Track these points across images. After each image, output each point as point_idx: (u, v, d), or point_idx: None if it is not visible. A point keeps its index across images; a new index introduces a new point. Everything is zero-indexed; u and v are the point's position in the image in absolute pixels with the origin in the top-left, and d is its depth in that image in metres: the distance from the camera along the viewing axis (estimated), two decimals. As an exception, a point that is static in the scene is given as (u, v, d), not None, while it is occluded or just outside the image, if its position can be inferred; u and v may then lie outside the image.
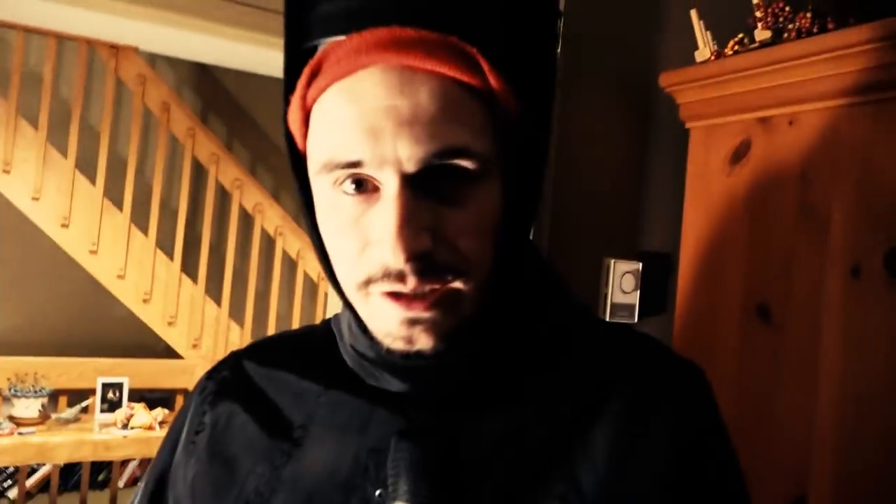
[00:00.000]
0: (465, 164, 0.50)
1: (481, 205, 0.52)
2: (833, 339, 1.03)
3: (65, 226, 3.68)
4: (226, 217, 4.28)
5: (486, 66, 0.51)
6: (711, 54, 1.25)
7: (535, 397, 0.59)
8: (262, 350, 0.70)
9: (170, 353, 4.08)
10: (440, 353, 0.54)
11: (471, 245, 0.52)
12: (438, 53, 0.49)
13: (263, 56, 3.45)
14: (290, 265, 4.38)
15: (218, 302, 4.10)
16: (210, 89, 4.82)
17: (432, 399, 0.58)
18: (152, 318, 3.92)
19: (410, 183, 0.50)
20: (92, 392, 3.57)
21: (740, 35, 1.22)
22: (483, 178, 0.52)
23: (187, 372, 3.99)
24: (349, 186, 0.52)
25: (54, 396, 3.57)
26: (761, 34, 1.17)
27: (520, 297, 0.60)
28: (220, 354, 4.02)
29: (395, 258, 0.49)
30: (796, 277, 1.09)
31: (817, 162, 1.08)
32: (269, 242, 4.35)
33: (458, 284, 0.52)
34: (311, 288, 4.37)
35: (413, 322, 0.52)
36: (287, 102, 0.56)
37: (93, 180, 3.75)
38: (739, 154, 1.21)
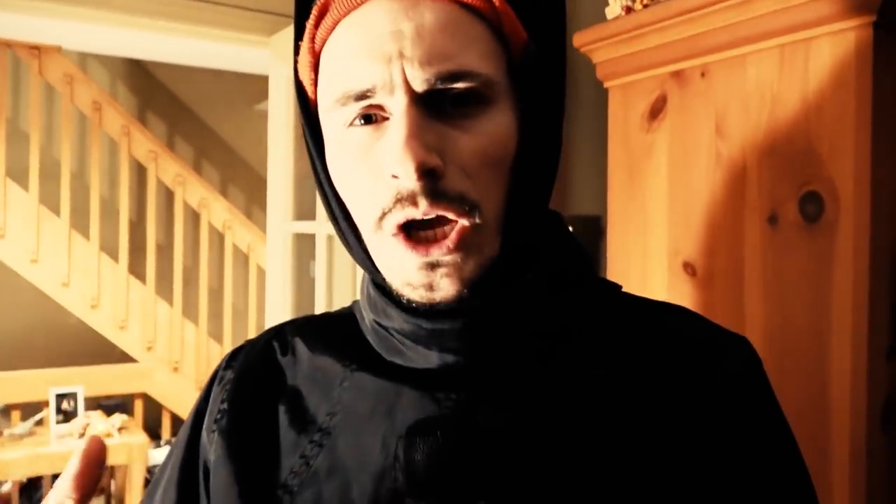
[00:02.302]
0: (467, 86, 0.50)
1: (491, 131, 0.52)
2: (755, 288, 1.03)
3: (0, 237, 3.56)
4: (171, 215, 4.19)
5: None
6: (622, 10, 1.22)
7: (571, 371, 0.55)
8: (284, 333, 0.67)
9: (126, 357, 4.00)
10: (462, 300, 0.52)
11: (481, 172, 0.51)
12: None
13: (200, 49, 3.36)
14: (242, 259, 4.31)
15: (170, 302, 4.01)
16: (146, 85, 4.70)
17: (459, 373, 0.54)
18: (102, 323, 3.83)
19: (418, 102, 0.50)
20: (45, 404, 3.48)
21: (649, -12, 1.20)
22: (492, 105, 0.52)
23: (144, 375, 3.91)
24: (358, 121, 0.52)
25: (6, 411, 3.47)
26: (669, -14, 1.15)
27: (542, 253, 0.56)
28: (177, 355, 3.96)
29: (404, 170, 0.48)
30: (717, 230, 1.09)
31: (729, 112, 1.07)
32: (218, 237, 4.27)
33: (472, 220, 0.51)
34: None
35: (432, 266, 0.51)
36: (297, 52, 0.57)
37: (26, 187, 3.63)
38: (656, 110, 1.19)
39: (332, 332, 0.65)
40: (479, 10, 0.52)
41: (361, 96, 0.51)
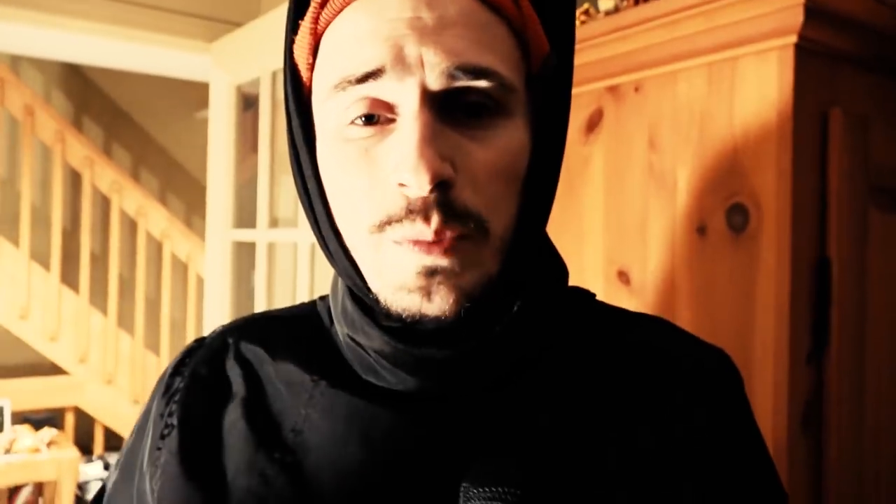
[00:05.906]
0: (489, 86, 0.47)
1: (505, 145, 0.49)
2: (685, 296, 1.06)
3: (-77, 244, 3.41)
4: (107, 223, 4.08)
5: None
6: (561, 26, 1.26)
7: (556, 390, 0.53)
8: (242, 333, 0.60)
9: (57, 369, 3.87)
10: (460, 317, 0.48)
11: (493, 186, 0.48)
12: None
13: (139, 53, 3.28)
14: (181, 269, 4.22)
15: (105, 312, 3.90)
16: (82, 90, 4.58)
17: (437, 397, 0.51)
18: (31, 334, 3.70)
19: (431, 104, 0.46)
20: (-31, 419, 3.33)
21: (586, 5, 1.23)
22: (508, 116, 0.49)
23: (76, 388, 3.79)
24: (359, 120, 0.48)
25: (-74, 428, 3.32)
26: (605, 3, 1.18)
27: (539, 270, 0.54)
28: (112, 367, 3.85)
29: (417, 181, 0.44)
30: (650, 240, 1.12)
31: (661, 127, 1.11)
32: (156, 246, 4.17)
33: (479, 232, 0.48)
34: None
35: (431, 272, 0.47)
36: (294, 31, 0.52)
37: (-48, 193, 3.50)
38: (593, 123, 1.23)
39: (296, 334, 0.59)
40: (505, 13, 0.49)
41: (363, 79, 0.46)
